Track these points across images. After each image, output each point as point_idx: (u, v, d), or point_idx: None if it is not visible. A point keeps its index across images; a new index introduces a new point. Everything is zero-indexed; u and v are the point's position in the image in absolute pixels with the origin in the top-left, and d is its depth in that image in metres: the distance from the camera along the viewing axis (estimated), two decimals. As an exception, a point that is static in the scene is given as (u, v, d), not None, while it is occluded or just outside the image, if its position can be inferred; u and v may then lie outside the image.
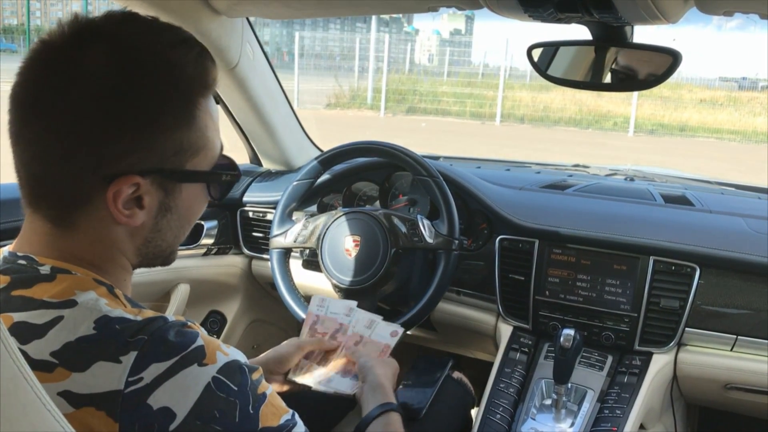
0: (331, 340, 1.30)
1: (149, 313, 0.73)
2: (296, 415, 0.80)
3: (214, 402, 0.69)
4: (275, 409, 0.76)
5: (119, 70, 0.72)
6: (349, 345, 1.27)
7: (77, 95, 0.71)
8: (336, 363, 1.23)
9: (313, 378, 1.21)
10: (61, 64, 0.72)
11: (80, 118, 0.71)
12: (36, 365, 0.66)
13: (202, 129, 0.79)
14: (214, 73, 0.79)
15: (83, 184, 0.73)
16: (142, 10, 1.51)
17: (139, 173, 0.74)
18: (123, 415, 0.66)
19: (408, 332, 1.62)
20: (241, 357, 0.76)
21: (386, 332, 1.30)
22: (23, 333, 0.68)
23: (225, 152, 0.86)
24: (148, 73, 0.73)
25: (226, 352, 0.74)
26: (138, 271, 0.86)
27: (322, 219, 1.66)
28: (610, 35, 1.31)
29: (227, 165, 0.86)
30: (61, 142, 0.72)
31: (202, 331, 0.74)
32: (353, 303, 1.36)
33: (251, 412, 0.72)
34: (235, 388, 0.71)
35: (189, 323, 0.74)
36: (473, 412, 1.58)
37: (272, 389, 0.78)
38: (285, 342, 1.26)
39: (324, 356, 1.27)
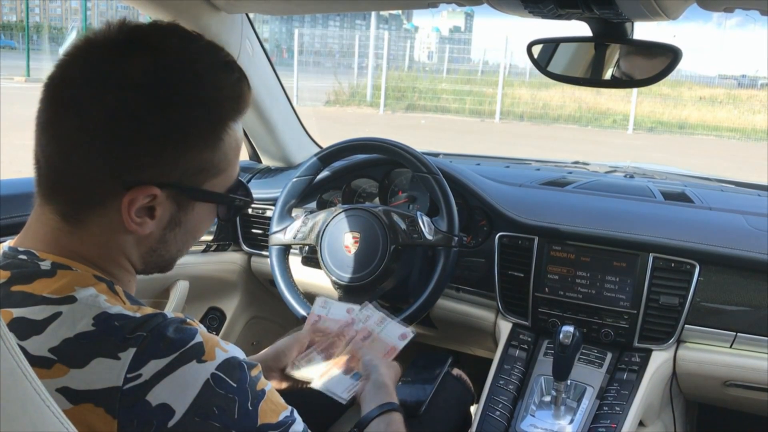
0: (335, 333, 1.29)
1: (148, 310, 0.73)
2: (295, 412, 0.80)
3: (212, 398, 0.69)
4: (274, 406, 0.76)
5: (159, 82, 0.72)
6: (357, 339, 1.26)
7: (114, 100, 0.71)
8: (339, 359, 1.23)
9: (313, 372, 1.20)
10: (104, 65, 0.72)
11: (113, 124, 0.71)
12: (35, 361, 0.66)
13: (226, 152, 0.80)
14: (248, 98, 0.80)
15: (101, 186, 0.74)
16: (143, 7, 1.52)
17: (158, 185, 0.74)
18: (121, 411, 0.66)
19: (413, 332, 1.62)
20: (240, 354, 0.76)
21: (396, 333, 1.29)
22: (22, 329, 0.68)
23: (248, 204, 0.88)
24: (186, 91, 0.74)
25: (225, 348, 0.74)
26: None
27: (321, 216, 1.66)
28: (611, 32, 1.31)
29: (242, 190, 0.86)
30: (89, 142, 0.72)
31: (201, 328, 0.74)
32: (356, 306, 1.36)
33: (250, 408, 0.72)
34: (234, 385, 0.71)
35: (188, 320, 0.74)
36: (473, 408, 1.59)
37: (271, 386, 0.78)
38: (283, 338, 1.26)
39: (327, 350, 1.26)
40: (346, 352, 1.24)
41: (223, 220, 0.86)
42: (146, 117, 0.72)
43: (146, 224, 0.77)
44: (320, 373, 1.19)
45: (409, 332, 1.29)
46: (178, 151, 0.74)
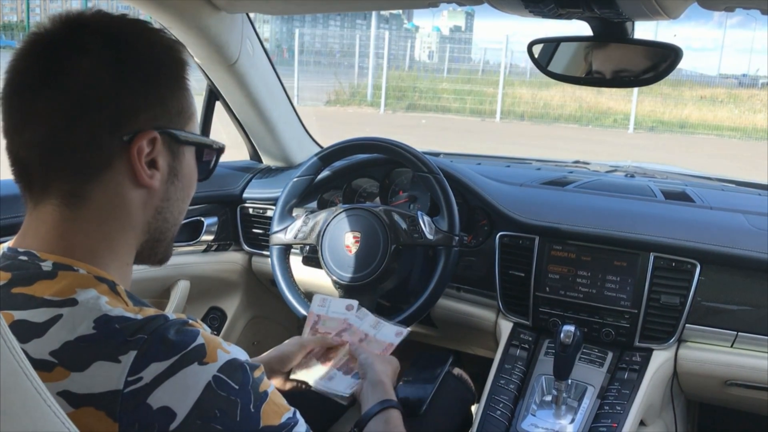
0: (335, 338, 1.30)
1: (150, 311, 0.72)
2: (297, 413, 0.79)
3: (214, 401, 0.69)
4: (277, 408, 0.76)
5: (118, 38, 0.77)
6: (354, 341, 1.27)
7: (86, 64, 0.74)
8: (338, 360, 1.23)
9: (313, 375, 1.21)
10: (64, 43, 0.76)
11: (94, 82, 0.74)
12: (36, 364, 0.65)
13: (192, 97, 0.85)
14: (185, 50, 0.85)
15: (104, 147, 0.75)
16: (144, 6, 1.52)
17: (154, 129, 0.78)
18: (122, 415, 0.65)
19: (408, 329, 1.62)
20: (242, 355, 0.75)
21: (391, 332, 1.30)
22: (23, 331, 0.68)
23: (222, 150, 0.94)
24: (139, 43, 0.79)
25: (227, 350, 0.73)
26: (137, 267, 0.86)
27: (322, 215, 1.66)
28: (611, 31, 1.31)
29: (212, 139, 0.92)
30: (80, 108, 0.74)
31: (204, 329, 0.74)
32: (354, 302, 1.36)
33: (252, 410, 0.72)
34: (236, 387, 0.71)
35: (190, 321, 0.74)
36: (473, 408, 1.59)
37: (274, 387, 0.78)
38: (287, 341, 1.26)
39: (326, 354, 1.27)
40: (345, 352, 1.25)
41: (204, 176, 0.90)
42: (121, 67, 0.76)
43: (155, 176, 0.80)
44: (321, 375, 1.20)
45: (404, 330, 1.31)
46: (158, 93, 0.79)
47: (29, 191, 0.78)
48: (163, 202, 0.83)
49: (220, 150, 0.92)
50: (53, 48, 0.76)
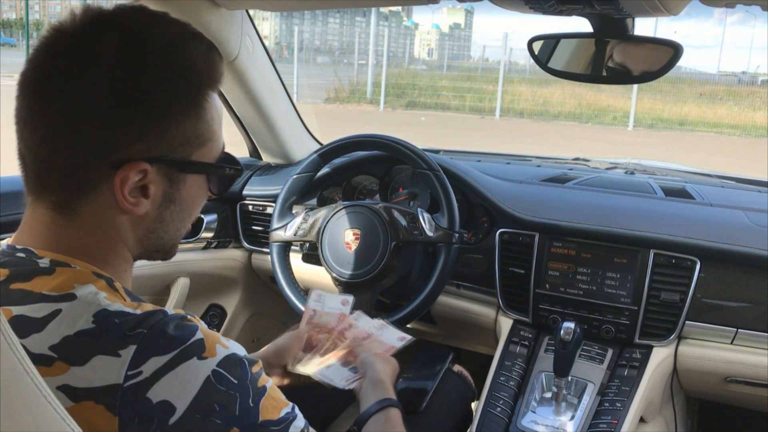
0: (335, 338, 1.30)
1: (148, 307, 0.72)
2: (296, 408, 0.79)
3: (214, 395, 0.69)
4: (275, 402, 0.76)
5: (131, 57, 0.72)
6: (358, 337, 1.26)
7: (90, 80, 0.71)
8: (338, 352, 1.23)
9: (312, 365, 1.21)
10: (74, 50, 0.73)
11: (92, 103, 0.71)
12: (35, 359, 0.65)
13: (209, 121, 0.79)
14: (222, 67, 0.80)
15: (90, 169, 0.73)
16: (143, 2, 1.51)
17: (146, 160, 0.74)
18: (122, 409, 0.65)
19: (408, 326, 1.62)
20: (240, 350, 0.75)
21: (394, 336, 1.29)
22: (22, 326, 0.68)
23: (239, 172, 0.87)
24: (159, 63, 0.74)
25: (226, 345, 0.73)
26: (138, 264, 0.86)
27: (322, 212, 1.66)
28: (611, 28, 1.31)
29: (230, 160, 0.86)
30: (72, 126, 0.72)
31: (202, 324, 0.74)
32: (349, 297, 1.36)
33: (251, 405, 0.72)
34: (235, 381, 0.71)
35: (188, 316, 0.74)
36: (474, 405, 1.59)
37: (272, 382, 0.78)
38: (283, 335, 1.26)
39: (328, 350, 1.27)
40: (344, 346, 1.24)
41: (216, 194, 0.86)
42: (123, 92, 0.72)
43: (141, 204, 0.76)
44: (320, 364, 1.20)
45: (408, 336, 1.29)
46: (161, 123, 0.74)
47: (27, 187, 0.78)
48: (155, 224, 0.80)
49: (236, 173, 0.86)
50: (67, 51, 0.73)
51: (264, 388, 0.75)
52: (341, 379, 1.16)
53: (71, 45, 0.73)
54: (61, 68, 0.72)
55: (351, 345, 1.24)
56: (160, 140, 0.75)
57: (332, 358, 1.22)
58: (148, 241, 0.82)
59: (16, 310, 0.70)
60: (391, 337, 1.29)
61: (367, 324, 1.31)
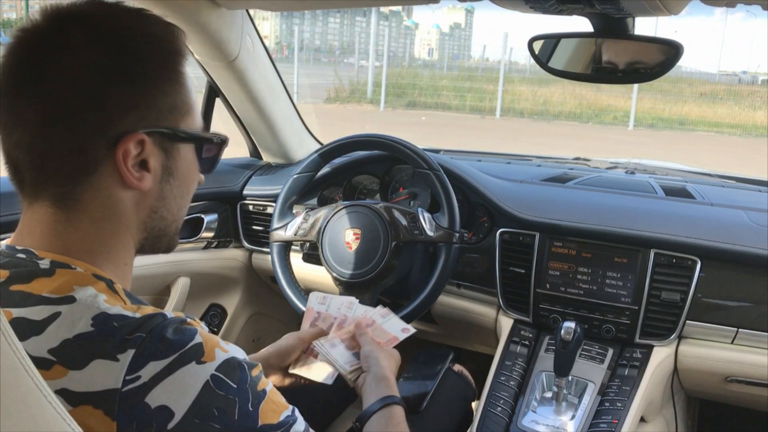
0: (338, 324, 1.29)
1: (148, 310, 0.72)
2: (296, 411, 0.79)
3: (212, 400, 0.69)
4: (275, 406, 0.75)
5: (101, 37, 0.74)
6: (361, 324, 1.26)
7: (69, 64, 0.72)
8: (342, 335, 1.23)
9: (312, 370, 1.20)
10: (47, 42, 0.74)
11: (77, 85, 0.72)
12: (34, 362, 0.65)
13: (189, 89, 0.81)
14: (185, 39, 0.82)
15: (90, 150, 0.74)
16: (143, 4, 1.51)
17: (141, 130, 0.75)
18: (120, 413, 0.65)
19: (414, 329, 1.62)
20: (240, 354, 0.75)
21: (398, 326, 1.29)
22: (22, 329, 0.68)
23: (225, 142, 0.89)
24: (128, 36, 0.76)
25: (225, 348, 0.73)
26: (138, 264, 0.85)
27: (322, 212, 1.66)
28: (612, 27, 1.30)
29: (214, 133, 0.88)
30: (64, 110, 0.72)
31: (202, 328, 0.74)
32: (354, 300, 1.36)
33: (251, 409, 0.72)
34: (234, 386, 0.71)
35: (188, 319, 0.73)
36: (474, 404, 1.59)
37: (272, 385, 0.77)
38: (285, 336, 1.26)
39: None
40: (348, 330, 1.24)
41: (206, 170, 0.87)
42: (104, 68, 0.73)
43: (145, 178, 0.77)
44: (323, 340, 1.20)
45: (411, 328, 1.30)
46: (146, 90, 0.76)
47: (22, 191, 0.77)
48: (158, 202, 0.81)
49: (223, 142, 0.88)
50: (37, 46, 0.74)
51: (264, 392, 0.75)
52: (345, 363, 1.16)
53: (42, 39, 0.74)
54: (38, 61, 0.73)
55: (354, 331, 1.23)
56: (149, 108, 0.76)
57: (338, 338, 1.21)
58: (152, 222, 0.82)
59: (16, 312, 0.69)
60: (394, 327, 1.28)
61: (370, 311, 1.30)
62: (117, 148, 0.74)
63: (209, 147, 0.86)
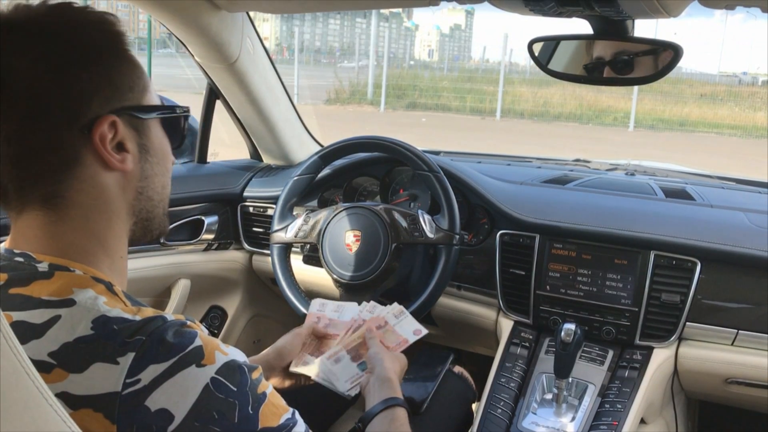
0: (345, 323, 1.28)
1: (148, 312, 0.72)
2: (296, 414, 0.79)
3: (212, 403, 0.69)
4: (275, 409, 0.75)
5: (42, 33, 0.74)
6: (372, 326, 1.25)
7: (21, 65, 0.72)
8: (350, 342, 1.22)
9: (314, 366, 1.19)
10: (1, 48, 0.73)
11: (36, 81, 0.72)
12: (35, 366, 0.65)
13: (141, 68, 0.82)
14: (120, 22, 0.83)
15: (66, 143, 0.74)
16: (143, 6, 1.52)
17: (110, 113, 0.76)
18: (120, 417, 0.65)
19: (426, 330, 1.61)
20: (240, 356, 0.75)
21: (410, 328, 1.28)
22: (22, 332, 0.67)
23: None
24: (70, 27, 0.76)
25: (225, 351, 0.73)
26: (139, 265, 0.86)
27: (322, 214, 1.66)
28: (611, 29, 1.31)
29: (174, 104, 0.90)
30: (31, 110, 0.72)
31: (202, 330, 0.74)
32: (376, 304, 1.34)
33: (251, 412, 0.72)
34: (234, 389, 0.71)
35: (188, 322, 0.73)
36: (474, 406, 1.59)
37: (272, 388, 0.77)
38: (283, 336, 1.25)
39: (328, 343, 1.26)
40: (357, 336, 1.23)
41: (176, 142, 0.89)
42: (59, 59, 0.74)
43: (126, 159, 0.79)
44: (327, 355, 1.19)
45: (424, 330, 1.28)
46: (103, 72, 0.77)
47: (8, 204, 0.77)
48: (141, 182, 0.82)
49: (185, 112, 0.90)
50: None
51: (264, 395, 0.74)
52: (346, 380, 1.15)
53: None
54: None
55: (363, 334, 1.23)
56: (111, 89, 0.77)
57: (344, 349, 1.21)
58: (139, 204, 0.83)
59: (16, 315, 0.69)
60: (406, 329, 1.27)
61: (384, 311, 1.30)
62: (92, 134, 0.75)
63: (174, 119, 0.88)
